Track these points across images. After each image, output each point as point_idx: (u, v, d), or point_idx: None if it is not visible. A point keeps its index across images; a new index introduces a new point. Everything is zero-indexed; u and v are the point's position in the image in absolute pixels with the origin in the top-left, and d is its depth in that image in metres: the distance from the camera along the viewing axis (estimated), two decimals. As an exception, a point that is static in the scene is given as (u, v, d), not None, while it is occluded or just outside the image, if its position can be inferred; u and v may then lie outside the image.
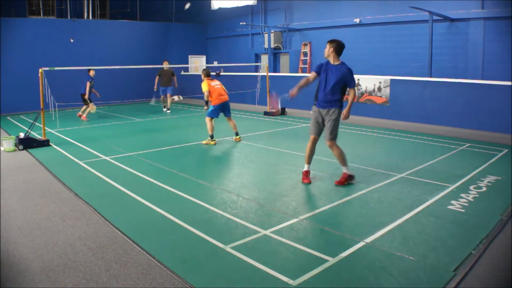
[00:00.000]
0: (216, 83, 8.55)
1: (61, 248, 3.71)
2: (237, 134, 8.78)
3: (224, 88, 8.66)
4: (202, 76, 8.72)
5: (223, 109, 8.57)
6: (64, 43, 15.96)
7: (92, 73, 11.94)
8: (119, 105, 16.29)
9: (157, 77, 13.98)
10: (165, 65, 13.70)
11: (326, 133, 5.47)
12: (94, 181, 5.87)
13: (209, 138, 8.43)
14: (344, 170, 5.53)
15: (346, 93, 5.50)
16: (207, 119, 8.46)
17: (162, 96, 14.17)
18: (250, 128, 10.52)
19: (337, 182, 5.51)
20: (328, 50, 5.44)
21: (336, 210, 4.62)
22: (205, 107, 8.52)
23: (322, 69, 5.48)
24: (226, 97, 8.52)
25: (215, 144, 8.41)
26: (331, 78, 5.38)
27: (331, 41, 5.46)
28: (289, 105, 13.40)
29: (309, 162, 5.68)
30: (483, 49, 11.12)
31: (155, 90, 14.05)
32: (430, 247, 3.63)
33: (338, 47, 5.42)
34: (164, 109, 14.19)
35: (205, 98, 8.37)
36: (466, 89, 10.03)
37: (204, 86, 8.38)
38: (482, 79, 10.73)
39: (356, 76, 12.32)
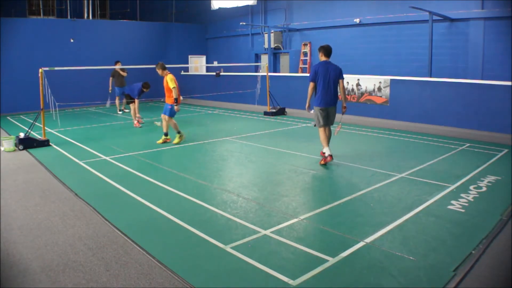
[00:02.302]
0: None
1: (61, 248, 3.71)
2: (166, 134, 8.47)
3: None
4: (161, 71, 8.19)
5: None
6: (64, 43, 15.95)
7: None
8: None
9: (110, 78, 13.68)
10: (118, 66, 13.32)
11: None
12: (94, 181, 5.88)
13: (178, 134, 8.40)
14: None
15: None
16: (169, 119, 8.27)
17: (118, 97, 13.82)
18: (250, 128, 10.52)
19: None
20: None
21: (336, 210, 4.62)
22: (176, 107, 8.08)
23: None
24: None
25: (184, 138, 8.48)
26: None
27: (319, 49, 6.68)
28: (289, 105, 13.40)
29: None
30: (483, 49, 11.12)
31: (110, 92, 13.79)
32: (430, 247, 3.63)
33: (325, 51, 6.60)
34: (120, 112, 13.85)
35: (174, 95, 7.96)
36: (466, 89, 10.02)
37: (172, 82, 7.95)
38: (482, 79, 10.73)
39: (356, 76, 12.44)
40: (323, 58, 6.58)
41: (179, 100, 8.24)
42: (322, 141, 6.69)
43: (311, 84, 6.50)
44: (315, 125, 6.78)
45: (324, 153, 6.65)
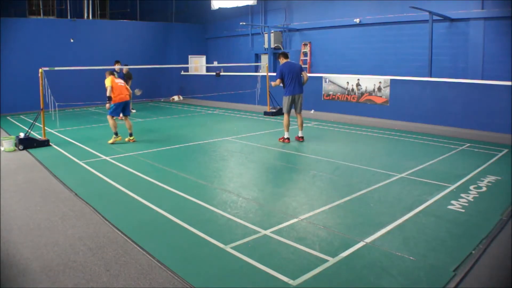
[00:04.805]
0: (119, 81, 8.56)
1: (61, 248, 3.71)
2: (131, 135, 8.78)
3: (127, 87, 8.67)
4: (106, 74, 8.66)
5: (123, 108, 8.59)
6: (64, 43, 15.95)
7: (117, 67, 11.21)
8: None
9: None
10: (117, 67, 13.19)
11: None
12: (94, 181, 5.88)
13: (114, 135, 8.51)
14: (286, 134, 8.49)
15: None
16: (109, 117, 8.48)
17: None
18: (250, 128, 10.52)
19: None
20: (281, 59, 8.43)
21: (336, 210, 4.62)
22: (107, 104, 8.28)
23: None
24: (127, 97, 8.56)
25: (121, 140, 8.53)
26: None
27: (278, 56, 8.49)
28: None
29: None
30: (483, 49, 11.11)
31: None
32: (430, 247, 3.63)
33: (285, 55, 8.42)
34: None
35: (108, 93, 8.22)
36: (466, 89, 10.03)
37: (107, 82, 8.34)
38: (482, 79, 10.72)
39: (356, 76, 12.44)
40: (284, 60, 8.33)
41: (113, 101, 8.33)
42: (285, 126, 8.39)
43: (278, 80, 8.25)
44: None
45: (285, 138, 8.40)
